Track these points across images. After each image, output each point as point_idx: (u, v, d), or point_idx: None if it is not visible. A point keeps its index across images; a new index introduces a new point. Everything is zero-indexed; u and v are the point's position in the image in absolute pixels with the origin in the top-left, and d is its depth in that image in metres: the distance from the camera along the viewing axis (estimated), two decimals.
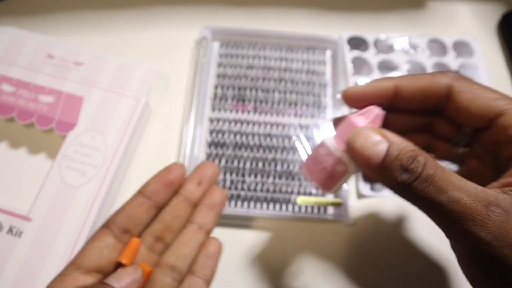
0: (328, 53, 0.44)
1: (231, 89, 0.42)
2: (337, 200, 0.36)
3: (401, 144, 0.22)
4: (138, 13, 0.47)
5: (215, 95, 0.41)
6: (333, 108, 0.41)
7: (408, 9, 0.49)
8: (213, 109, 0.41)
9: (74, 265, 0.25)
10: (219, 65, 0.43)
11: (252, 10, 0.48)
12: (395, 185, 0.22)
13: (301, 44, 0.44)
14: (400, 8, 0.48)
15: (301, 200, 0.36)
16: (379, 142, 0.22)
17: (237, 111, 0.41)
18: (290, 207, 0.37)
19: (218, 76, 0.42)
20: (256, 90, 0.42)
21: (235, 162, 0.38)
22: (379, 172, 0.22)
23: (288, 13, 0.48)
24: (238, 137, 0.39)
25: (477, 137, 0.26)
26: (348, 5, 0.49)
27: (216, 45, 0.44)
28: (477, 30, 0.48)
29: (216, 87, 0.42)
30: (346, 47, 0.45)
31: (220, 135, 0.39)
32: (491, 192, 0.21)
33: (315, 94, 0.42)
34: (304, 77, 0.43)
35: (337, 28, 0.47)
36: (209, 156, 0.38)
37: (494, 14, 0.48)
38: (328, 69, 0.43)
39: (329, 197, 0.37)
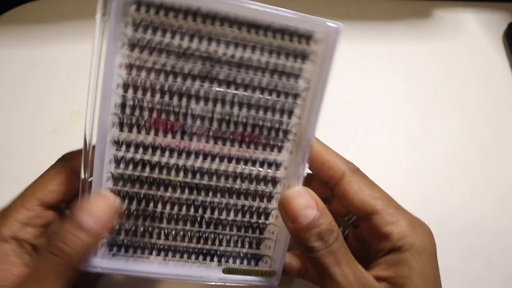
0: (314, 46, 0.27)
1: (149, 92, 0.27)
2: (269, 270, 0.30)
3: (327, 216, 0.26)
4: None
5: (125, 102, 0.27)
6: (297, 141, 0.29)
7: (414, 18, 0.47)
8: (121, 126, 0.27)
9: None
10: (133, 45, 0.26)
11: None
12: (306, 247, 0.25)
13: (271, 24, 0.26)
14: (406, 17, 0.47)
15: (227, 270, 0.30)
16: (312, 207, 0.26)
17: (157, 131, 0.28)
18: (214, 264, 0.31)
19: (131, 66, 0.26)
20: (189, 97, 0.27)
21: (151, 205, 0.29)
22: (298, 231, 0.26)
23: None
24: (156, 171, 0.28)
25: (359, 223, 0.30)
26: (352, 14, 0.47)
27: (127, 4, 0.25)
28: (483, 39, 0.47)
29: (126, 87, 0.26)
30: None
31: (130, 167, 0.28)
32: (372, 279, 0.26)
33: (276, 109, 0.28)
34: (266, 80, 0.28)
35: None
36: (117, 194, 0.28)
37: (501, 23, 0.48)
38: (305, 71, 0.28)
39: (261, 264, 0.31)
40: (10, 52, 0.43)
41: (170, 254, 0.30)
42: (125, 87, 0.26)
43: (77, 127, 0.40)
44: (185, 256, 0.30)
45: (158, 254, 0.30)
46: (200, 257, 0.31)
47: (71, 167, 0.27)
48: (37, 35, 0.44)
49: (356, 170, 0.29)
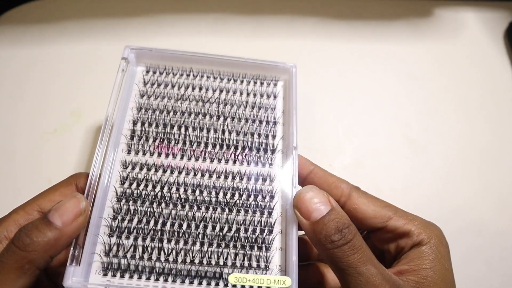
0: (280, 84, 0.36)
1: (154, 125, 0.33)
2: (283, 278, 0.27)
3: (339, 212, 0.26)
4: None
5: (133, 133, 0.32)
6: (285, 153, 0.33)
7: (414, 17, 0.47)
8: (129, 151, 0.32)
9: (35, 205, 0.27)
10: (142, 95, 0.34)
11: (189, 27, 0.40)
12: (328, 242, 0.25)
13: (247, 73, 0.36)
14: (407, 16, 0.47)
15: (234, 278, 0.27)
16: (324, 202, 0.27)
17: (159, 154, 0.32)
18: (221, 285, 0.27)
19: (140, 108, 0.33)
20: (187, 128, 0.33)
21: (151, 222, 0.29)
22: (314, 227, 0.26)
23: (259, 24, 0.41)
24: (158, 188, 0.30)
25: (369, 235, 0.31)
26: (352, 14, 0.47)
27: (140, 70, 0.35)
28: (484, 38, 0.47)
29: (135, 123, 0.33)
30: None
31: (134, 186, 0.30)
32: (395, 277, 0.26)
33: (261, 134, 0.33)
34: (249, 113, 0.34)
35: (340, 38, 0.46)
36: (117, 212, 0.29)
37: (501, 22, 0.48)
38: (279, 104, 0.35)
39: (273, 275, 0.28)
40: (10, 52, 0.43)
41: (170, 278, 0.27)
42: (134, 123, 0.33)
43: (77, 128, 0.39)
44: (187, 280, 0.27)
45: (157, 279, 0.27)
46: (204, 282, 0.27)
47: (76, 184, 0.29)
48: (37, 35, 0.43)
49: (359, 188, 0.31)
